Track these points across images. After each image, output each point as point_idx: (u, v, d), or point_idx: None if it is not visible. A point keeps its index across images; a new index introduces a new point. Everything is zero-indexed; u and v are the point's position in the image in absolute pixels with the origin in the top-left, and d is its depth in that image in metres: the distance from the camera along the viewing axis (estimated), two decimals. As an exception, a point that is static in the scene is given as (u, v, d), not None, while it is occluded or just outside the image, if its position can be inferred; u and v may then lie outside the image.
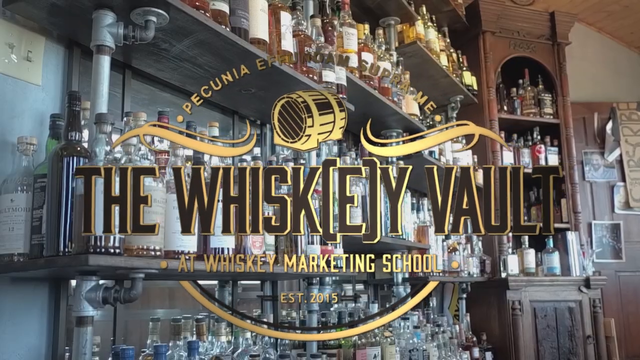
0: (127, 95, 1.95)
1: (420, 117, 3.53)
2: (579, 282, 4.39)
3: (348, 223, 1.13)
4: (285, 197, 1.14)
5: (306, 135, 1.17)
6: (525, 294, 4.22)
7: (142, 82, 2.03)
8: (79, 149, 1.41)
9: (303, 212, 1.12)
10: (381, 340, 2.60)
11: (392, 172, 1.10)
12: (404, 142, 1.22)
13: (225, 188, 1.14)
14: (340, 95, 2.38)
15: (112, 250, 1.32)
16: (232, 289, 2.34)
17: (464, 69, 4.44)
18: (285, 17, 2.10)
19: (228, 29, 1.79)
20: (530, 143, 4.81)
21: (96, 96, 1.50)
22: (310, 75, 2.19)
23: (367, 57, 2.74)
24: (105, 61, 1.53)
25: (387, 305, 3.26)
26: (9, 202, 1.46)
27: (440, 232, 1.04)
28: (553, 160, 4.76)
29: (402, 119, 3.17)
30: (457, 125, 1.11)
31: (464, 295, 4.22)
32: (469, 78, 4.43)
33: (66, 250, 1.35)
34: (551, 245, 4.47)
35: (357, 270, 1.14)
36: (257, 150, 2.65)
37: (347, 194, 1.12)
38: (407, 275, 3.30)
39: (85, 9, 1.54)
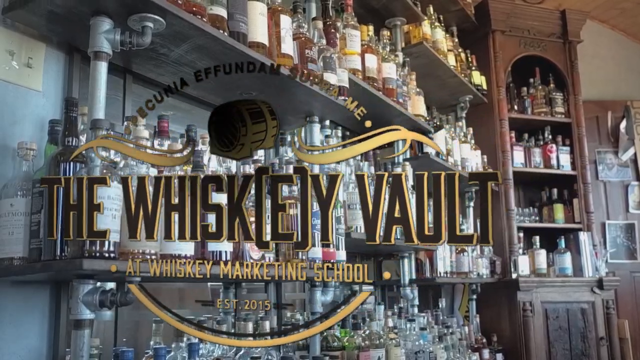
0: (128, 99, 1.97)
1: (427, 118, 3.52)
2: (592, 283, 4.35)
3: (280, 231, 1.13)
4: (221, 204, 1.15)
5: (240, 144, 1.18)
6: (536, 295, 4.19)
7: (144, 86, 2.05)
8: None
9: (237, 219, 1.13)
10: (386, 342, 2.59)
11: (323, 181, 1.10)
12: (335, 149, 1.21)
13: (166, 196, 1.16)
14: (342, 97, 2.38)
15: (106, 255, 1.34)
16: (235, 290, 2.35)
17: (473, 68, 4.42)
18: (285, 20, 2.10)
19: (226, 34, 1.80)
20: (541, 142, 4.77)
21: (93, 102, 1.52)
22: (311, 78, 2.19)
23: (371, 58, 2.74)
24: (102, 67, 1.55)
25: (393, 308, 3.26)
26: (9, 207, 1.49)
27: (372, 241, 1.03)
28: (565, 159, 4.72)
29: (407, 119, 3.16)
30: (388, 130, 1.10)
31: (474, 297, 4.20)
32: (478, 78, 4.40)
33: (63, 254, 1.38)
34: (563, 245, 4.43)
35: (289, 278, 1.14)
36: (260, 153, 2.66)
37: (279, 201, 1.12)
38: (414, 277, 3.29)
39: (82, 16, 1.56)
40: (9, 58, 1.62)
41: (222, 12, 1.81)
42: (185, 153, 1.25)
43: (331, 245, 2.14)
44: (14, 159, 1.57)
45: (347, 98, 2.43)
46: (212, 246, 1.66)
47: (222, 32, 1.78)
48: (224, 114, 1.18)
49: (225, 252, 1.68)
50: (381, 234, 1.03)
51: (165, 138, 1.88)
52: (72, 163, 1.41)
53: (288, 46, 2.10)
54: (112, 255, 1.35)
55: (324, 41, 2.39)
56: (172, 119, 2.33)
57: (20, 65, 1.65)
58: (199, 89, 2.16)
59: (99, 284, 1.44)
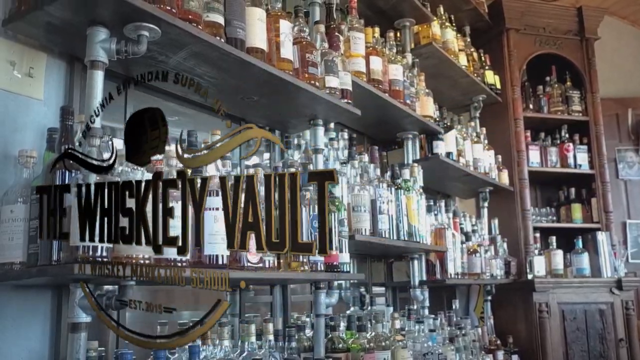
0: (130, 105, 2.01)
1: (437, 119, 3.51)
2: (611, 283, 4.28)
3: (168, 235, 1.16)
4: (133, 209, 1.19)
5: (142, 152, 1.22)
6: (552, 296, 4.14)
7: (146, 92, 2.08)
8: (71, 161, 1.47)
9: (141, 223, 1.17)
10: (392, 344, 2.59)
11: (198, 184, 1.12)
12: (202, 152, 1.25)
13: (102, 202, 1.22)
14: (345, 100, 2.39)
15: (99, 260, 1.37)
16: (240, 293, 2.38)
17: (486, 68, 4.38)
18: (285, 25, 2.12)
19: (222, 40, 1.82)
20: (558, 142, 4.71)
21: (90, 110, 1.55)
22: (312, 82, 2.21)
23: (375, 60, 2.74)
24: (98, 76, 1.58)
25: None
26: (9, 213, 1.53)
27: (231, 247, 1.03)
28: (582, 158, 4.65)
29: (415, 121, 3.15)
30: (243, 129, 1.11)
31: (489, 298, 4.16)
32: (491, 77, 4.36)
33: (59, 259, 1.41)
34: (580, 246, 4.36)
35: (168, 280, 1.17)
36: (266, 156, 2.69)
37: (167, 206, 1.15)
38: (424, 278, 3.27)
39: (80, 27, 1.59)
40: (10, 68, 1.67)
41: (219, 19, 1.83)
42: (110, 162, 1.31)
43: (329, 248, 2.14)
44: (15, 167, 1.61)
45: (350, 101, 2.45)
46: (208, 250, 1.68)
47: (218, 38, 1.81)
48: (133, 123, 1.22)
49: (222, 256, 1.70)
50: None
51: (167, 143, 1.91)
52: (67, 170, 1.45)
53: (287, 51, 2.12)
54: (104, 260, 1.38)
55: (326, 45, 2.40)
56: (178, 124, 2.37)
57: (21, 75, 1.69)
58: (199, 95, 2.17)
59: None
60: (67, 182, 1.45)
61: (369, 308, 3.06)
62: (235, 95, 2.19)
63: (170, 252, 1.56)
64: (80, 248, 1.36)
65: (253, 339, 2.11)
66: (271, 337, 2.18)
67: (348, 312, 3.11)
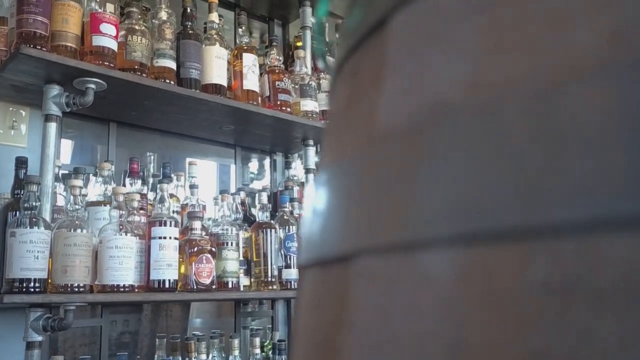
0: (112, 144, 2.25)
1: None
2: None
3: None
4: None
5: None
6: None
7: (131, 129, 2.32)
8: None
9: None
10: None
11: None
12: None
13: None
14: (324, 121, 2.46)
15: (32, 290, 1.61)
16: (235, 308, 2.54)
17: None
18: (248, 58, 2.25)
19: (172, 82, 2.00)
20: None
21: (44, 156, 1.80)
22: (284, 108, 2.31)
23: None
24: (52, 128, 1.82)
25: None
26: (-12, 248, 1.84)
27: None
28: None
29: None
30: None
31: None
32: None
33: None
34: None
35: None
36: (267, 177, 2.83)
37: None
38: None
39: (39, 85, 1.85)
40: (-6, 124, 1.98)
41: (169, 63, 2.01)
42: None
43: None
44: (-3, 208, 1.91)
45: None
46: (155, 275, 1.87)
47: (168, 81, 1.99)
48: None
49: (169, 280, 1.88)
50: None
51: (136, 177, 2.13)
52: (17, 212, 1.71)
53: (251, 82, 2.24)
54: (37, 289, 1.61)
55: (305, 69, 2.49)
56: (168, 151, 2.59)
57: (5, 128, 2.00)
58: (182, 128, 2.38)
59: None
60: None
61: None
62: (212, 126, 2.36)
63: (112, 279, 1.79)
64: (15, 279, 1.61)
65: (236, 352, 2.27)
66: (257, 351, 2.32)
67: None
